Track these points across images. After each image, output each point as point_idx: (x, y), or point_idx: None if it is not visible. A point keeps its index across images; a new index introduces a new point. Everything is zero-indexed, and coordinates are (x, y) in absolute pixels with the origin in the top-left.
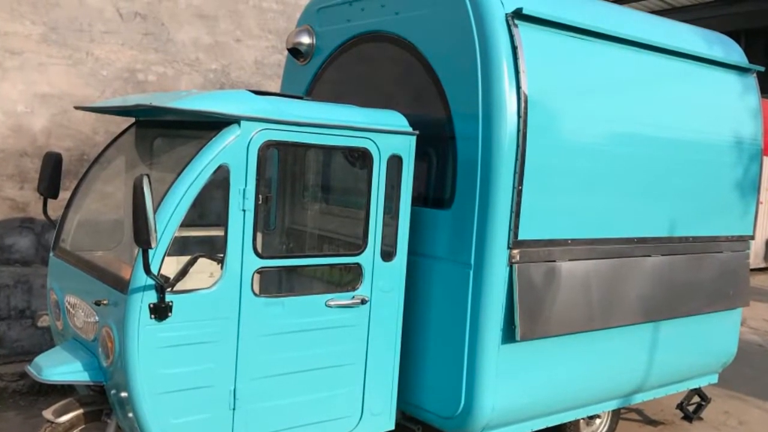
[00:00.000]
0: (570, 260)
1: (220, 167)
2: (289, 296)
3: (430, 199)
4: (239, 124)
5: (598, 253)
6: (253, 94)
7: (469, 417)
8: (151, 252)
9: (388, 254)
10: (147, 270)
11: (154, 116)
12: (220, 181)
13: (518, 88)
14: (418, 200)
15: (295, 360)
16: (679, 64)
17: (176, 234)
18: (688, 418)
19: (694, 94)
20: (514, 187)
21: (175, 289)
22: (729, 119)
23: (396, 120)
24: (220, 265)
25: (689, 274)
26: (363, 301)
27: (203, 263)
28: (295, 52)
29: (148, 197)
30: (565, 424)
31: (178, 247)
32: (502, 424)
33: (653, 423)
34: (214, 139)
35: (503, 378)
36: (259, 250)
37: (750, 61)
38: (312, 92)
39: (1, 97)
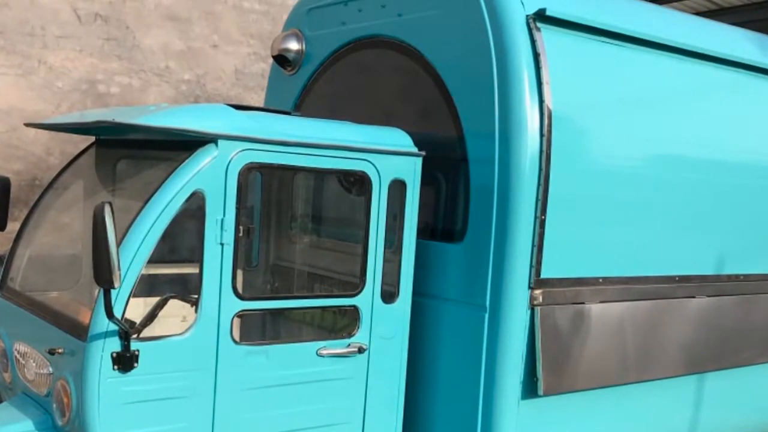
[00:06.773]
0: (601, 302)
1: (194, 194)
2: (274, 344)
3: (439, 231)
4: (216, 144)
5: (633, 293)
6: (232, 109)
7: None
8: (113, 293)
9: (389, 295)
10: (109, 313)
11: (118, 135)
12: (194, 210)
13: (541, 102)
14: (424, 232)
15: (282, 418)
16: (729, 74)
17: (143, 272)
18: None
19: (747, 109)
20: (536, 218)
21: (141, 335)
22: None
23: (399, 139)
24: (194, 307)
25: (740, 318)
26: (360, 350)
27: (175, 305)
28: (281, 59)
29: (110, 229)
30: None
31: (146, 286)
32: None
33: None
34: (187, 161)
35: None
36: (240, 290)
37: None
38: (301, 107)
39: None
